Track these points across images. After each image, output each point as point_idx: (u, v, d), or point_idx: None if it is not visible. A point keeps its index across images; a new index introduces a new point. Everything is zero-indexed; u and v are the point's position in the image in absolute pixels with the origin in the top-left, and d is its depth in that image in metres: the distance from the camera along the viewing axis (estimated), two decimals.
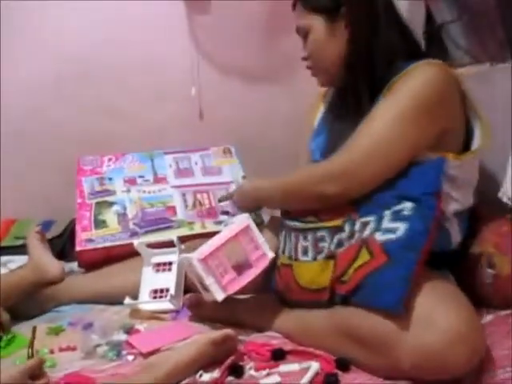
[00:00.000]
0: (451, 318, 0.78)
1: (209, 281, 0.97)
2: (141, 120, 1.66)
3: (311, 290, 0.95)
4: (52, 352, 0.97)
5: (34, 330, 0.95)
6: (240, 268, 1.01)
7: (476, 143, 0.98)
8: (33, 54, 1.63)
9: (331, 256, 0.94)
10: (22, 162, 1.66)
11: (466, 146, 0.99)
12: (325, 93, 1.20)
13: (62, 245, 1.48)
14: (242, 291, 1.03)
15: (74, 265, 1.31)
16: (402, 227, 0.86)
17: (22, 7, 1.59)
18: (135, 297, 1.14)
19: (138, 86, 1.65)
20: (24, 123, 1.65)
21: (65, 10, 1.60)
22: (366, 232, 0.90)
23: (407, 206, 0.88)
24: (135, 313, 1.10)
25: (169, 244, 1.18)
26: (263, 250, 1.04)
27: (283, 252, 1.04)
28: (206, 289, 0.99)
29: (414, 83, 0.93)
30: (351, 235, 0.92)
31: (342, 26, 1.01)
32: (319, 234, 0.96)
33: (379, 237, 0.88)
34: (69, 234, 1.50)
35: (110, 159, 1.42)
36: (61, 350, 0.97)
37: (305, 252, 0.98)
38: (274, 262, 1.06)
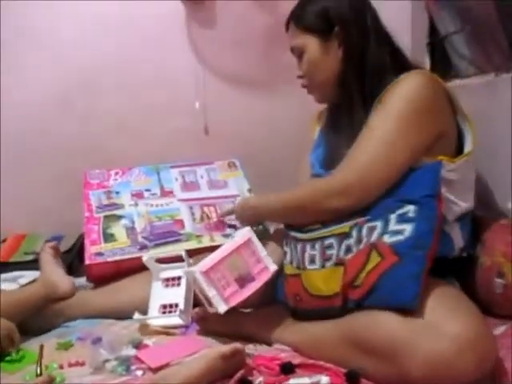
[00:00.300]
0: (460, 325, 0.78)
1: (211, 293, 0.98)
2: (147, 134, 1.68)
3: (323, 297, 0.95)
4: (61, 367, 0.97)
5: (42, 347, 0.95)
6: (242, 281, 1.02)
7: (468, 146, 1.01)
8: (39, 67, 1.66)
9: (340, 263, 0.94)
10: (30, 177, 1.68)
11: (458, 151, 1.01)
12: (326, 108, 1.22)
13: (71, 260, 1.49)
14: (245, 304, 1.04)
15: (83, 280, 1.32)
16: (408, 228, 0.88)
17: (30, 19, 1.62)
18: (144, 312, 1.14)
19: (144, 101, 1.68)
20: (32, 138, 1.68)
21: (71, 24, 1.64)
22: (374, 236, 0.91)
23: (410, 209, 0.90)
24: (144, 328, 1.10)
25: (177, 259, 1.19)
26: (265, 263, 1.05)
27: (290, 262, 1.04)
28: (209, 301, 1.00)
29: (405, 89, 0.97)
30: (359, 240, 0.93)
31: (336, 45, 1.05)
32: (327, 241, 0.97)
33: (387, 239, 0.89)
34: (78, 249, 1.52)
35: (116, 173, 1.43)
36: (70, 365, 0.97)
37: (312, 260, 0.99)
38: (278, 274, 1.07)
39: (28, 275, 1.35)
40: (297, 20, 1.09)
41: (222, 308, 0.98)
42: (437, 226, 0.88)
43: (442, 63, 1.25)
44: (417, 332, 0.79)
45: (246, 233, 1.06)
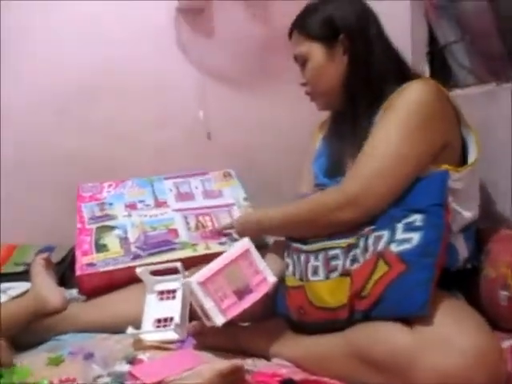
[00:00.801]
0: (469, 339, 0.76)
1: (208, 305, 0.95)
2: (146, 144, 1.64)
3: (328, 309, 0.93)
4: (51, 383, 0.93)
5: None
6: (240, 293, 0.99)
7: (472, 156, 1.00)
8: (34, 77, 1.62)
9: (346, 273, 0.92)
10: (22, 188, 1.64)
11: (461, 160, 1.00)
12: (328, 118, 1.21)
13: (63, 271, 1.45)
14: (243, 317, 1.02)
15: (75, 291, 1.28)
16: (416, 237, 0.87)
17: (24, 28, 1.59)
18: (138, 326, 1.10)
19: (143, 110, 1.64)
20: (24, 148, 1.64)
21: (68, 32, 1.60)
22: (381, 245, 0.89)
23: (417, 218, 0.89)
24: (138, 343, 1.06)
25: (172, 271, 1.16)
26: (264, 275, 1.02)
27: (293, 274, 1.02)
28: (205, 314, 0.97)
29: (410, 98, 0.96)
30: (365, 250, 0.92)
31: (340, 52, 1.05)
32: (331, 252, 0.96)
33: (394, 248, 0.88)
34: (70, 260, 1.48)
35: (109, 185, 1.41)
36: (60, 381, 0.93)
37: (315, 272, 0.97)
38: (278, 286, 1.04)
39: (18, 287, 1.31)
40: (301, 27, 1.08)
41: (220, 320, 0.95)
42: (444, 235, 0.87)
43: (442, 72, 1.24)
44: (424, 345, 0.77)
45: (244, 244, 1.03)
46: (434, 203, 0.89)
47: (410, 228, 0.88)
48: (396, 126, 0.95)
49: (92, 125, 1.64)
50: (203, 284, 0.96)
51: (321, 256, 0.97)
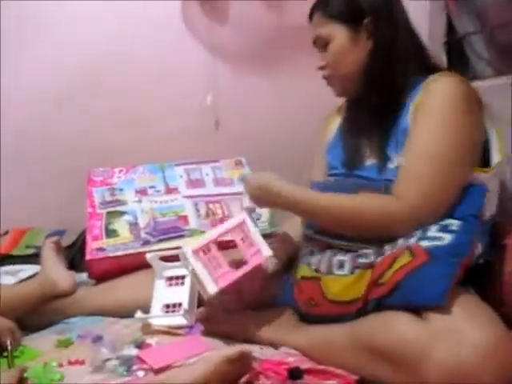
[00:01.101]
0: (481, 333, 0.75)
1: (201, 272, 0.96)
2: (153, 131, 1.64)
3: (341, 303, 0.92)
4: (61, 365, 0.94)
5: (11, 343, 0.94)
6: (235, 263, 1.00)
7: (495, 154, 0.97)
8: (41, 62, 1.62)
9: (370, 266, 0.91)
10: (33, 172, 1.65)
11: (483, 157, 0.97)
12: (339, 107, 1.19)
13: (73, 255, 1.46)
14: (240, 296, 1.02)
15: (84, 275, 1.29)
16: (447, 237, 0.87)
17: (32, 14, 1.59)
18: (146, 311, 1.10)
19: (152, 96, 1.64)
20: (35, 132, 1.65)
21: (76, 17, 1.60)
22: (411, 240, 0.89)
23: (453, 223, 0.89)
24: (146, 327, 1.06)
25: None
26: (258, 247, 1.01)
27: (308, 265, 1.01)
28: (200, 284, 0.97)
29: (446, 95, 0.93)
30: (395, 245, 0.91)
31: (365, 36, 1.02)
32: (362, 251, 0.94)
33: (424, 243, 0.87)
34: (80, 244, 1.49)
35: (120, 171, 1.41)
36: (70, 363, 0.94)
37: (341, 266, 0.95)
38: (282, 276, 1.04)
39: (29, 269, 1.32)
40: (324, 8, 1.05)
41: (212, 289, 0.95)
42: (475, 240, 0.88)
43: (459, 63, 1.22)
44: (435, 337, 0.76)
45: (240, 215, 1.03)
46: (471, 213, 0.89)
47: (443, 229, 0.88)
48: (442, 130, 0.92)
49: (98, 111, 1.64)
50: (197, 252, 0.97)
51: (350, 253, 0.95)
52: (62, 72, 1.62)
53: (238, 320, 1.02)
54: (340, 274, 0.94)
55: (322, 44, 1.06)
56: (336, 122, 1.18)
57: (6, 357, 0.94)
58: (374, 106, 1.01)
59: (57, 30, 1.61)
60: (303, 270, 1.02)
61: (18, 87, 1.62)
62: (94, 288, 1.23)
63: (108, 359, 0.93)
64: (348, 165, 1.05)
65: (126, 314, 1.13)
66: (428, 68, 0.99)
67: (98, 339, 1.03)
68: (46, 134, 1.65)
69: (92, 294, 1.20)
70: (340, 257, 0.96)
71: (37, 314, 1.12)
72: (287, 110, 1.65)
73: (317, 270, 0.98)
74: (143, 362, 0.92)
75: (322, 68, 1.08)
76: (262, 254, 1.01)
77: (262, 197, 1.01)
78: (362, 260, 0.93)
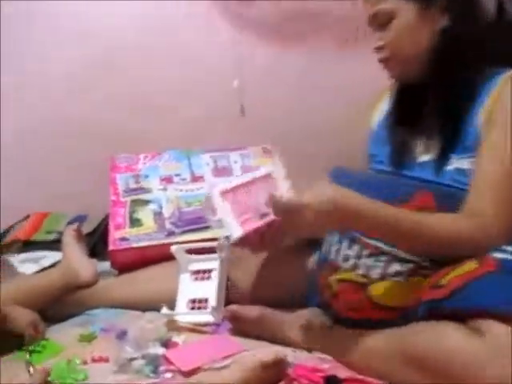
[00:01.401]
0: None
1: (227, 215, 0.91)
2: (179, 116, 1.58)
3: (387, 308, 0.85)
4: (85, 362, 0.90)
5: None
6: (259, 212, 0.94)
7: None
8: (59, 46, 1.56)
9: (429, 275, 0.83)
10: (55, 156, 1.61)
11: None
12: (384, 93, 1.09)
13: (95, 242, 1.42)
14: (263, 245, 0.94)
15: (107, 264, 1.25)
16: None
17: None
18: (171, 305, 1.06)
19: (176, 81, 1.57)
20: (59, 116, 1.60)
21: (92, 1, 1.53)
22: None
23: None
24: (172, 324, 1.02)
25: (208, 250, 1.10)
26: None
27: (353, 269, 0.91)
28: (225, 226, 0.93)
29: None
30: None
31: (436, 14, 0.90)
32: (424, 263, 0.85)
33: (497, 254, 0.78)
34: (102, 230, 1.45)
35: (145, 157, 1.36)
36: (93, 360, 0.91)
37: (396, 274, 0.86)
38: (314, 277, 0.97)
39: (50, 256, 1.29)
40: None
41: (237, 233, 0.90)
42: None
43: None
44: (487, 352, 0.69)
45: (267, 168, 1.00)
46: None
47: None
48: None
49: (120, 95, 1.58)
50: (224, 194, 0.92)
51: (408, 263, 0.86)
52: (83, 56, 1.56)
53: (268, 321, 0.97)
54: (396, 280, 0.86)
55: (382, 21, 0.94)
56: (382, 111, 1.07)
57: (29, 351, 0.92)
58: (438, 96, 0.90)
59: (73, 7, 1.53)
60: (346, 274, 0.93)
61: (32, 72, 1.57)
62: (116, 279, 1.19)
63: (133, 358, 0.89)
64: (396, 163, 0.96)
65: (149, 307, 1.09)
66: (499, 60, 0.89)
67: (122, 334, 0.99)
68: (69, 118, 1.60)
69: (114, 285, 1.16)
70: (397, 266, 0.86)
71: (57, 304, 1.09)
72: (317, 95, 1.56)
73: (365, 276, 0.89)
74: (170, 362, 0.88)
75: (379, 49, 0.95)
76: None
77: (328, 217, 0.79)
78: (420, 271, 0.85)
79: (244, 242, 0.92)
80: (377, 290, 0.87)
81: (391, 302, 0.86)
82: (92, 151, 1.57)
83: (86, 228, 1.42)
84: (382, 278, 0.88)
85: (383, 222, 0.81)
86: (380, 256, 0.89)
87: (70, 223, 1.47)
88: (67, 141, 1.61)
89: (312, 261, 1.06)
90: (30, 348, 0.93)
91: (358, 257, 0.92)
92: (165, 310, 1.02)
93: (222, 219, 0.92)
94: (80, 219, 1.52)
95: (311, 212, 0.78)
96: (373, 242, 0.89)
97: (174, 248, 1.10)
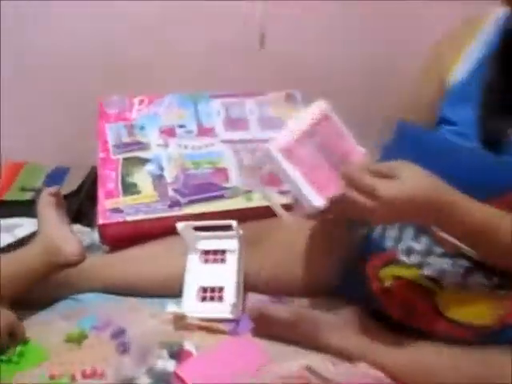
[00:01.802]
0: None
1: (297, 178, 0.66)
2: (183, 46, 1.29)
3: (464, 325, 0.69)
4: (73, 378, 0.71)
5: None
6: (332, 164, 0.69)
7: None
8: None
9: None
10: (32, 97, 1.34)
11: None
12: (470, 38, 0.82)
13: (79, 203, 1.19)
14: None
15: (95, 235, 1.03)
16: None
17: None
18: (173, 290, 0.87)
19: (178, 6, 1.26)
20: (35, 52, 1.32)
21: None
22: None
23: None
24: (180, 320, 0.82)
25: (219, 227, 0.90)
26: (352, 143, 0.72)
27: (419, 268, 0.74)
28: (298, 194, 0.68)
29: None
30: None
31: None
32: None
33: None
34: (88, 187, 1.21)
35: (141, 101, 1.08)
36: (84, 375, 0.72)
37: (480, 286, 0.69)
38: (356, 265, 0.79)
39: (27, 224, 1.06)
40: None
41: (319, 202, 0.66)
42: None
43: None
44: None
45: (321, 107, 0.71)
46: None
47: None
48: None
49: (115, 19, 1.29)
50: (287, 151, 0.66)
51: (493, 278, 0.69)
52: None
53: (304, 323, 0.78)
54: (475, 293, 0.69)
55: None
56: (464, 59, 0.82)
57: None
58: None
59: None
60: (401, 269, 0.75)
61: None
62: (108, 256, 0.98)
63: (134, 378, 0.70)
64: (485, 140, 0.74)
65: (149, 291, 0.90)
66: None
67: (119, 333, 0.80)
68: (46, 54, 1.31)
69: (106, 264, 0.94)
70: (480, 277, 0.69)
71: (37, 288, 0.89)
72: (350, 27, 1.29)
73: (435, 280, 0.72)
74: (183, 382, 0.70)
75: None
76: (361, 151, 0.72)
77: (416, 210, 0.62)
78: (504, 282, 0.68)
79: (327, 212, 0.67)
80: (450, 302, 0.70)
81: (467, 319, 0.69)
82: (77, 87, 1.31)
83: (68, 187, 1.18)
84: (460, 288, 0.70)
85: (480, 229, 0.63)
86: (458, 259, 0.70)
87: (48, 180, 1.24)
88: (49, 76, 1.34)
89: (354, 243, 0.85)
90: (4, 358, 0.74)
91: (427, 253, 0.73)
92: (171, 307, 0.82)
93: (292, 186, 0.67)
94: (60, 173, 1.28)
95: (400, 202, 0.61)
96: (451, 239, 0.69)
97: (180, 227, 0.88)
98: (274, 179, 1.05)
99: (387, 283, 0.76)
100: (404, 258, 0.75)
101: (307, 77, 1.23)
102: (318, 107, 0.71)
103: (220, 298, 0.86)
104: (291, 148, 0.66)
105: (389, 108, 0.92)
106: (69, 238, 0.89)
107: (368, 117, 1.10)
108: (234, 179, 1.01)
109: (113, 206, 0.94)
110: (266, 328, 0.79)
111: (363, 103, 1.22)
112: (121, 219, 0.94)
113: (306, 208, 0.67)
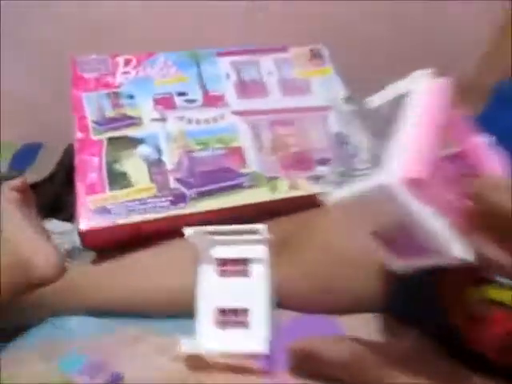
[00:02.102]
0: None
1: (433, 222, 0.43)
2: None
3: None
4: None
5: None
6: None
7: None
8: None
9: None
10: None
11: None
12: None
13: (55, 191, 0.97)
14: None
15: (75, 236, 0.80)
16: None
17: None
18: (180, 311, 0.67)
19: None
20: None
21: None
22: None
23: None
24: (195, 361, 0.62)
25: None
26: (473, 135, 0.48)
27: None
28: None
29: None
30: None
31: None
32: None
33: None
34: (66, 169, 0.97)
35: (128, 61, 0.83)
36: None
37: None
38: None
39: None
40: None
41: (460, 251, 0.44)
42: None
43: None
44: None
45: (432, 81, 0.46)
46: None
47: None
48: None
49: None
50: (416, 184, 0.42)
51: None
52: None
53: (361, 361, 0.59)
54: None
55: None
56: None
57: None
58: None
59: None
60: (501, 292, 0.55)
61: None
62: (93, 268, 0.75)
63: None
64: None
65: (149, 311, 0.71)
66: None
67: (115, 380, 0.60)
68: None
69: (91, 278, 0.73)
70: None
71: (5, 310, 0.68)
72: None
73: None
74: None
75: None
76: (484, 140, 0.47)
77: None
78: None
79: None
80: None
81: None
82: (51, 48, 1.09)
83: (38, 174, 0.95)
84: None
85: None
86: None
87: (14, 162, 1.01)
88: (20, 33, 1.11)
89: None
90: None
91: None
92: (185, 343, 0.62)
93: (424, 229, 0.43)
94: (31, 151, 1.05)
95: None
96: None
97: (188, 233, 0.66)
98: (301, 159, 0.83)
99: (479, 310, 0.56)
100: (502, 279, 0.56)
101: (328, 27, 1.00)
102: (428, 87, 0.44)
103: (245, 324, 0.66)
104: (421, 178, 0.41)
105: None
106: (41, 245, 0.68)
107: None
108: (252, 162, 0.79)
109: (97, 205, 0.71)
110: (312, 369, 0.60)
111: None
112: (109, 223, 0.71)
113: (441, 259, 0.45)
